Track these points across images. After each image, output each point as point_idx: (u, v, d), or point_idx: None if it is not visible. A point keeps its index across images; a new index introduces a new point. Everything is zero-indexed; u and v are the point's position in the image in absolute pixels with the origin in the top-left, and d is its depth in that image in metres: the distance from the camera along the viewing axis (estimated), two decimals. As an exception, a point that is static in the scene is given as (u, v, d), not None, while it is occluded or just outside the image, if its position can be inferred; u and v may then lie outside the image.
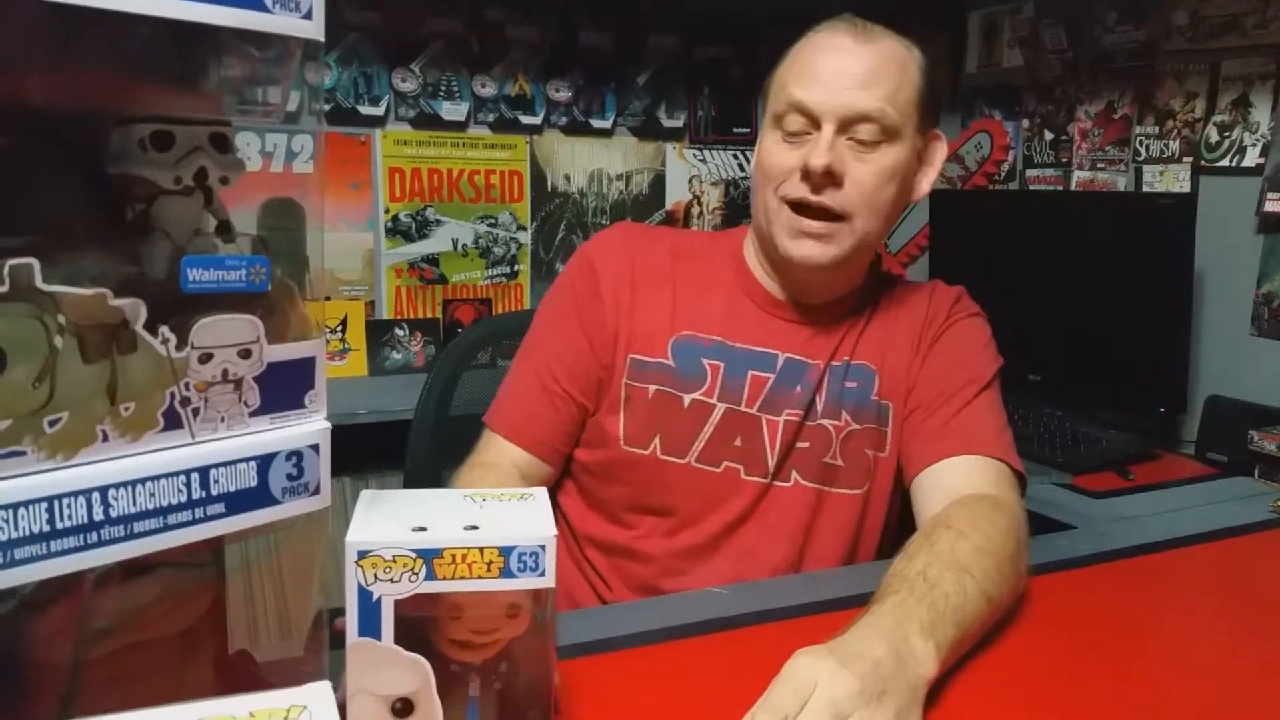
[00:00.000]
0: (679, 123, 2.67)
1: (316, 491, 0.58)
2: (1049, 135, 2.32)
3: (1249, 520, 1.31)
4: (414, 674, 0.57)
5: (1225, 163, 1.91)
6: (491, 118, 2.44)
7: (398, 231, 2.38)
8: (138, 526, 0.49)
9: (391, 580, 0.56)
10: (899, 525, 1.14)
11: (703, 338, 1.10)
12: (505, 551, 0.57)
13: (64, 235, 0.47)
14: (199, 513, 0.52)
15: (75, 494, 0.47)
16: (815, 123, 1.01)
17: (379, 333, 2.37)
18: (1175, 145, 2.01)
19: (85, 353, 0.47)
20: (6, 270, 0.44)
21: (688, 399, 1.08)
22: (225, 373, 0.52)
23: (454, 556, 0.57)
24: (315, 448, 0.57)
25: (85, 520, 0.48)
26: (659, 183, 2.68)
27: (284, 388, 0.55)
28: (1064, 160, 2.28)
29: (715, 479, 1.08)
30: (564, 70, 2.51)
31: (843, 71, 1.01)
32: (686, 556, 1.09)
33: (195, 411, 0.51)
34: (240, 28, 0.48)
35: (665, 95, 2.64)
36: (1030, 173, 2.38)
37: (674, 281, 1.12)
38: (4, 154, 0.46)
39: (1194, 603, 1.06)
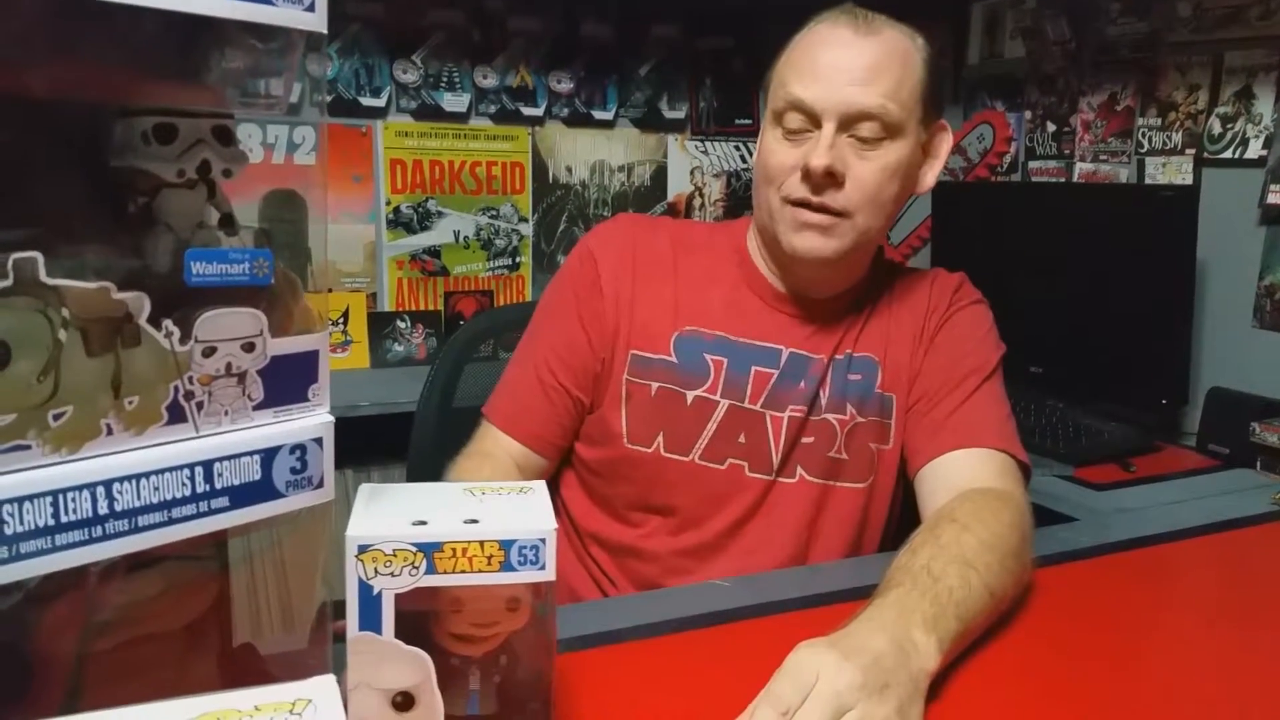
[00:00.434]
0: (681, 114, 2.66)
1: (320, 485, 0.58)
2: (1051, 127, 2.32)
3: (1251, 512, 1.30)
4: (414, 668, 0.57)
5: (1228, 155, 1.91)
6: (493, 109, 2.44)
7: (399, 223, 2.38)
8: (142, 520, 0.50)
9: (392, 574, 0.56)
10: (901, 518, 1.14)
11: (705, 333, 1.09)
12: (505, 545, 0.57)
13: (67, 229, 0.47)
14: (203, 506, 0.52)
15: (80, 488, 0.47)
16: (815, 121, 1.00)
17: (381, 325, 2.37)
18: (1178, 137, 2.01)
19: (89, 346, 0.47)
20: (10, 264, 0.44)
21: (690, 396, 1.08)
22: (229, 366, 0.52)
23: (454, 550, 0.57)
24: (319, 441, 0.57)
25: (90, 514, 0.48)
26: (660, 174, 2.68)
27: (287, 381, 0.55)
28: (1066, 152, 2.28)
29: (719, 476, 1.08)
30: (565, 61, 2.50)
31: (843, 67, 0.99)
32: (692, 555, 1.09)
33: (199, 405, 0.51)
34: (243, 20, 0.48)
35: (667, 87, 2.63)
36: (1032, 164, 2.38)
37: (675, 274, 1.11)
38: (7, 148, 0.46)
39: (1195, 595, 1.06)
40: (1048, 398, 1.91)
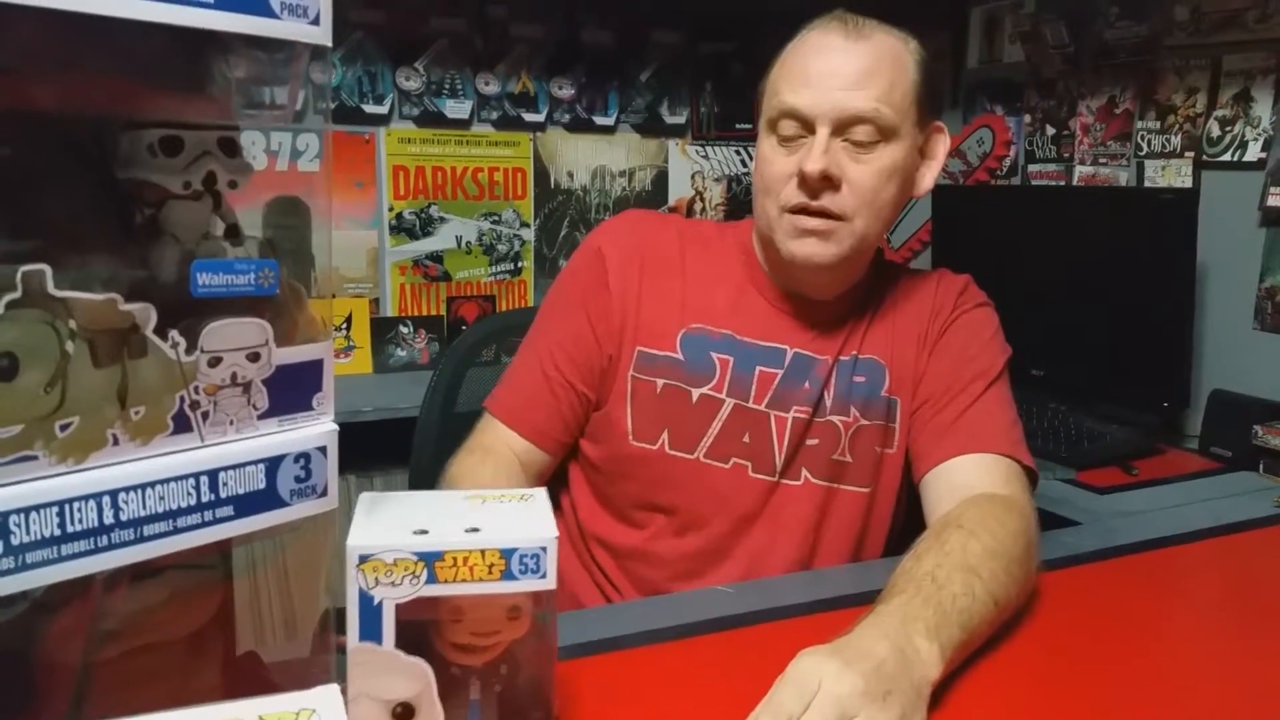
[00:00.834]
0: (681, 119, 2.67)
1: (324, 493, 0.58)
2: (1051, 130, 2.32)
3: (1253, 515, 1.30)
4: (415, 678, 0.57)
5: (1227, 157, 1.91)
6: (495, 115, 2.45)
7: (402, 229, 2.39)
8: (147, 530, 0.50)
9: (392, 584, 0.56)
10: (905, 522, 1.14)
11: (712, 331, 1.09)
12: (506, 554, 0.57)
13: (75, 241, 0.47)
14: (208, 515, 0.52)
15: (86, 498, 0.47)
16: (809, 127, 1.00)
17: (383, 330, 2.37)
18: (1177, 140, 2.01)
19: (96, 357, 0.47)
20: (19, 276, 0.44)
21: (696, 393, 1.08)
22: (234, 376, 0.52)
23: (455, 559, 0.57)
24: (323, 450, 0.57)
25: (96, 524, 0.48)
26: (661, 179, 2.68)
27: (292, 390, 0.55)
28: (1066, 155, 2.28)
29: (723, 475, 1.08)
30: (567, 67, 2.51)
31: (834, 72, 0.99)
32: (698, 558, 1.09)
33: (204, 415, 0.52)
34: (248, 34, 0.48)
35: (668, 92, 2.64)
36: (1032, 168, 2.38)
37: (683, 271, 1.11)
38: (15, 161, 0.46)
39: (1198, 598, 1.06)
40: (1049, 401, 1.91)
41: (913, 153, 1.05)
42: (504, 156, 2.47)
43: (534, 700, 0.60)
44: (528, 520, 0.60)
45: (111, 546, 0.49)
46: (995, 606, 0.82)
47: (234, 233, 0.53)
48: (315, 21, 0.51)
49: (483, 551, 0.57)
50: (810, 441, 1.08)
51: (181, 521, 0.51)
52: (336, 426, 0.58)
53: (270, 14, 0.48)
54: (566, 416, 1.12)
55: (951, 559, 0.83)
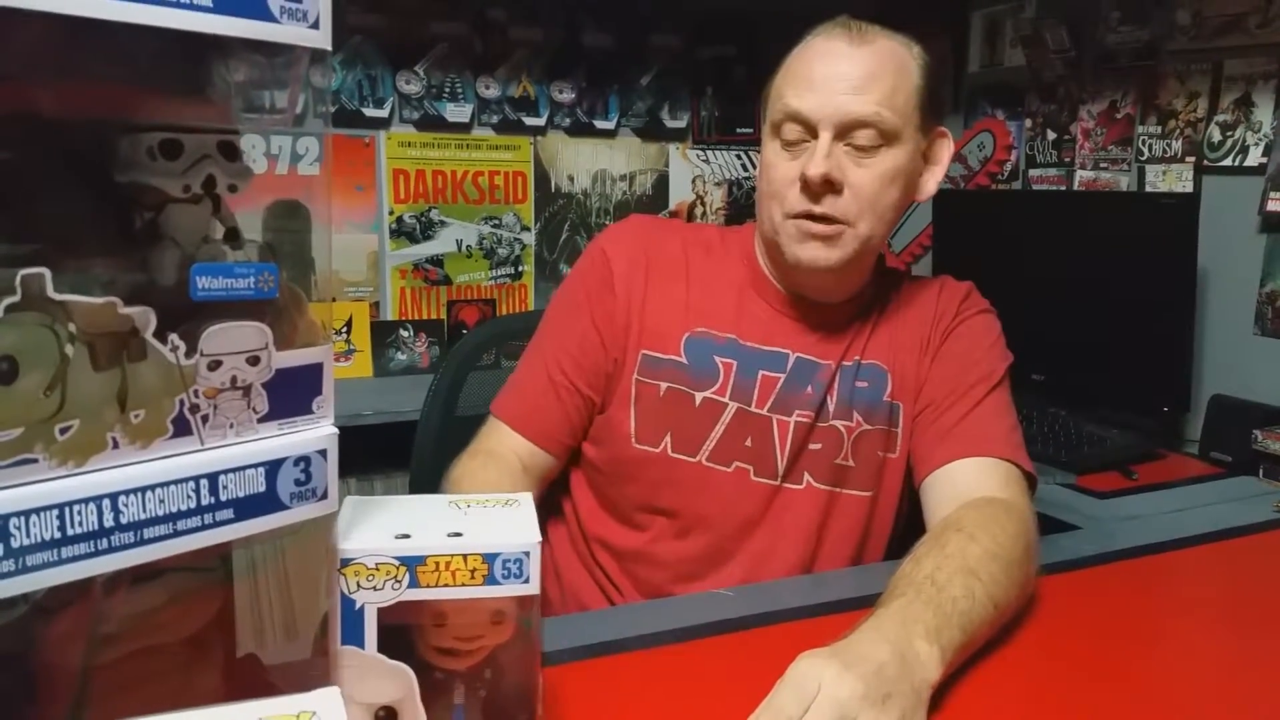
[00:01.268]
0: (682, 123, 2.67)
1: (324, 496, 0.58)
2: (1052, 135, 2.32)
3: (1253, 520, 1.31)
4: (398, 682, 0.57)
5: (1228, 162, 1.91)
6: (495, 119, 2.45)
7: (402, 233, 2.39)
8: (147, 533, 0.50)
9: (375, 588, 0.56)
10: (905, 526, 1.14)
11: (716, 335, 1.10)
12: (489, 558, 0.57)
13: (74, 244, 0.47)
14: (208, 519, 0.52)
15: (86, 501, 0.47)
16: (812, 131, 1.00)
17: (384, 334, 2.38)
18: (1178, 145, 2.01)
19: (96, 361, 0.47)
20: (19, 280, 0.44)
21: (699, 397, 1.08)
22: (234, 379, 0.52)
23: (437, 564, 0.57)
24: (323, 453, 0.57)
25: (95, 527, 0.48)
26: (662, 183, 2.68)
27: (292, 394, 0.55)
28: (1067, 160, 2.28)
29: (726, 479, 1.08)
30: (567, 71, 2.51)
31: (837, 77, 0.99)
32: (699, 561, 1.09)
33: (204, 418, 0.52)
34: (248, 38, 0.48)
35: (668, 96, 2.64)
36: (1033, 172, 2.38)
37: (688, 275, 1.12)
38: (14, 164, 0.46)
39: (1198, 603, 1.06)
40: (1049, 405, 1.91)
41: (915, 157, 1.05)
42: (504, 160, 2.47)
43: (519, 705, 0.60)
44: (511, 525, 0.60)
45: (111, 549, 0.48)
46: (995, 609, 0.82)
47: (234, 236, 0.53)
48: (315, 25, 0.51)
49: (465, 556, 0.57)
50: (813, 446, 1.09)
51: (181, 524, 0.51)
52: (336, 430, 0.58)
53: (269, 18, 0.49)
54: (572, 420, 1.12)
55: (951, 562, 0.83)
